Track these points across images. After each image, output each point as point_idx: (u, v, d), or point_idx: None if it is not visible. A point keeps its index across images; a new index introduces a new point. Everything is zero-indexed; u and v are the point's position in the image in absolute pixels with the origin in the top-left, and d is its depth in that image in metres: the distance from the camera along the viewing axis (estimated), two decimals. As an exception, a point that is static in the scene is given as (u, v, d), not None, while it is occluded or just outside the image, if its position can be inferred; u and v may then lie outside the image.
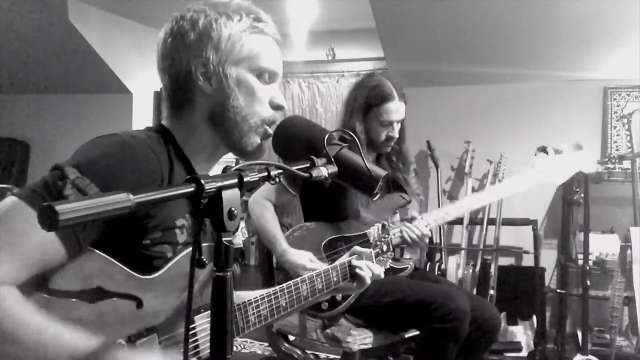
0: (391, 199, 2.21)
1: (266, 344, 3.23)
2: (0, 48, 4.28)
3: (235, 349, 3.05)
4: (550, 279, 3.61)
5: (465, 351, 1.96)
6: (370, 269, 1.39)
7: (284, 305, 1.18)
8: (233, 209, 0.69)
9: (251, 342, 3.44)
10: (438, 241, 3.67)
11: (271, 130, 1.09)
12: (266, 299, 1.14)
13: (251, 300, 1.11)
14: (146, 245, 0.96)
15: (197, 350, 1.00)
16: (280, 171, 0.82)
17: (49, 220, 0.52)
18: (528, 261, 3.61)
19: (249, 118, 1.06)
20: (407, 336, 2.10)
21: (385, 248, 1.60)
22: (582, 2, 3.05)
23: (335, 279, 1.34)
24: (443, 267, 3.51)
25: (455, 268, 3.53)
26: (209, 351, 0.76)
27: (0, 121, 5.09)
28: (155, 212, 0.96)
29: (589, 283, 2.71)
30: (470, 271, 3.52)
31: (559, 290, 3.38)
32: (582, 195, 2.83)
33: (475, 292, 3.42)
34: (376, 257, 1.50)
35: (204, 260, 0.70)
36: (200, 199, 0.66)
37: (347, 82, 5.07)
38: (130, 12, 4.28)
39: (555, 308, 3.53)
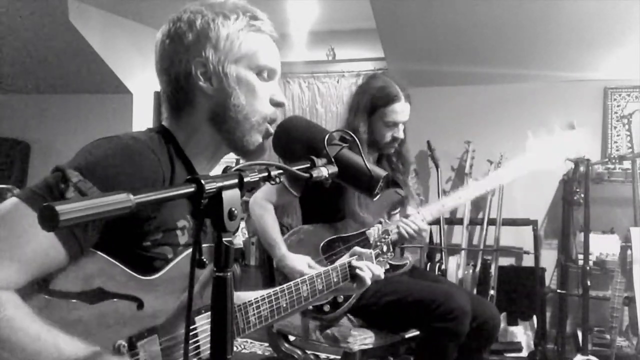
0: (386, 195, 2.22)
1: (266, 344, 3.23)
2: (0, 48, 4.28)
3: (235, 349, 3.05)
4: (550, 279, 3.61)
5: (464, 351, 1.96)
6: (370, 270, 1.39)
7: (284, 305, 1.18)
8: (233, 209, 0.69)
9: (251, 342, 3.44)
10: (438, 241, 3.67)
11: (272, 129, 1.09)
12: (266, 300, 1.14)
13: (251, 300, 1.11)
14: (147, 246, 0.96)
15: (198, 350, 1.00)
16: (280, 171, 0.81)
17: (49, 220, 0.52)
18: (528, 261, 3.61)
19: (250, 116, 1.06)
20: (407, 336, 2.10)
21: (385, 248, 1.60)
22: (582, 2, 3.05)
23: (335, 280, 1.34)
24: (443, 267, 3.51)
25: (455, 268, 3.53)
26: (209, 351, 0.76)
27: (0, 121, 5.09)
28: (156, 213, 0.96)
29: (589, 283, 2.71)
30: (470, 271, 3.52)
31: (559, 290, 3.38)
32: (582, 195, 2.83)
33: (475, 292, 3.42)
34: (376, 257, 1.50)
35: (204, 260, 0.70)
36: (200, 199, 0.66)
37: (347, 82, 5.07)
38: (130, 12, 4.28)
39: (555, 308, 3.53)
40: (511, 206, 3.61)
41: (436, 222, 3.60)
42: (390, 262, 2.07)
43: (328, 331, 2.01)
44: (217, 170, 0.83)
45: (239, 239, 4.81)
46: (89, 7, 4.04)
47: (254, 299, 1.12)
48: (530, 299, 3.38)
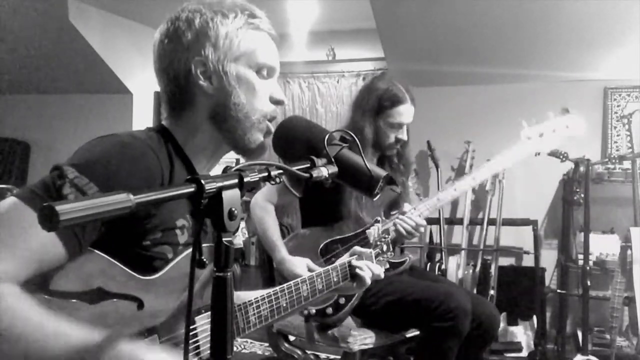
0: (382, 194, 2.21)
1: (266, 344, 3.23)
2: (0, 48, 4.28)
3: (235, 349, 3.04)
4: (550, 279, 3.61)
5: (464, 350, 1.96)
6: (370, 269, 1.39)
7: (284, 305, 1.18)
8: (233, 209, 0.69)
9: (251, 342, 3.44)
10: (438, 241, 3.67)
11: (272, 127, 1.09)
12: (266, 299, 1.14)
13: (251, 300, 1.11)
14: (146, 245, 0.96)
15: (198, 350, 1.00)
16: (280, 171, 0.81)
17: (49, 221, 0.52)
18: (528, 261, 3.61)
19: (251, 114, 1.06)
20: (407, 336, 2.10)
21: (385, 247, 1.59)
22: (582, 2, 3.05)
23: (335, 279, 1.34)
24: (443, 267, 3.51)
25: (455, 268, 3.53)
26: (209, 351, 0.76)
27: (0, 121, 5.09)
28: (155, 212, 0.96)
29: (589, 283, 2.71)
30: (470, 271, 3.52)
31: (559, 290, 3.38)
32: (582, 195, 2.83)
33: (475, 292, 3.42)
34: (376, 257, 1.50)
35: (204, 260, 0.70)
36: (200, 199, 0.66)
37: (347, 82, 5.07)
38: (130, 12, 4.28)
39: (555, 308, 3.53)
40: (511, 206, 3.61)
41: (436, 222, 3.60)
42: (390, 260, 2.07)
43: (328, 331, 2.01)
44: (217, 170, 0.83)
45: (239, 239, 4.81)
46: (89, 7, 4.04)
47: (254, 299, 1.12)
48: (530, 299, 3.38)
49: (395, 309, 1.97)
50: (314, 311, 1.90)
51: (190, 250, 0.74)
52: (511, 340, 3.29)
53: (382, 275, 1.42)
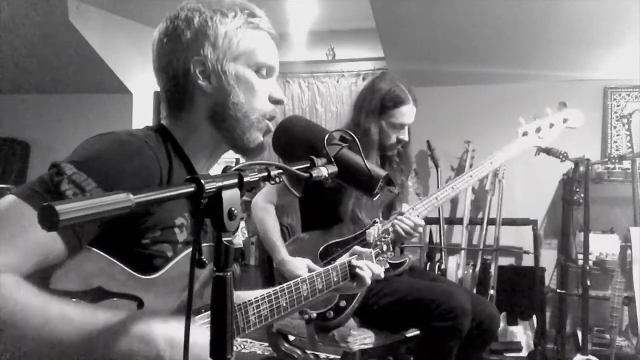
0: (381, 194, 2.21)
1: (266, 344, 3.23)
2: (0, 48, 4.28)
3: (235, 349, 3.04)
4: (550, 279, 3.61)
5: (464, 350, 1.96)
6: (370, 269, 1.38)
7: (285, 305, 1.17)
8: (233, 209, 0.69)
9: (251, 342, 3.44)
10: (438, 241, 3.67)
11: (272, 126, 1.09)
12: (267, 299, 1.13)
13: (251, 300, 1.11)
14: (146, 244, 0.96)
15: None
16: (280, 171, 0.81)
17: (49, 220, 0.52)
18: (528, 261, 3.61)
19: (250, 114, 1.06)
20: (407, 335, 2.10)
21: (385, 248, 1.59)
22: (582, 2, 3.05)
23: (335, 279, 1.34)
24: (443, 267, 3.51)
25: (455, 268, 3.53)
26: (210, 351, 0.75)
27: (0, 121, 5.09)
28: (154, 211, 0.96)
29: (589, 283, 2.71)
30: (470, 271, 3.52)
31: (559, 290, 3.38)
32: (582, 195, 2.83)
33: (475, 292, 3.42)
34: (376, 257, 1.50)
35: (204, 260, 0.69)
36: (200, 198, 0.66)
37: (347, 82, 5.07)
38: (130, 12, 4.28)
39: (555, 308, 3.53)
40: (511, 206, 3.60)
41: (436, 222, 3.61)
42: (390, 261, 2.07)
43: (329, 333, 2.01)
44: (216, 170, 0.83)
45: (239, 239, 4.81)
46: (89, 7, 4.04)
47: (254, 299, 1.11)
48: (530, 299, 3.38)
49: (395, 309, 1.97)
50: (315, 315, 1.90)
51: (190, 249, 0.74)
52: (511, 340, 3.29)
53: (383, 276, 1.42)
